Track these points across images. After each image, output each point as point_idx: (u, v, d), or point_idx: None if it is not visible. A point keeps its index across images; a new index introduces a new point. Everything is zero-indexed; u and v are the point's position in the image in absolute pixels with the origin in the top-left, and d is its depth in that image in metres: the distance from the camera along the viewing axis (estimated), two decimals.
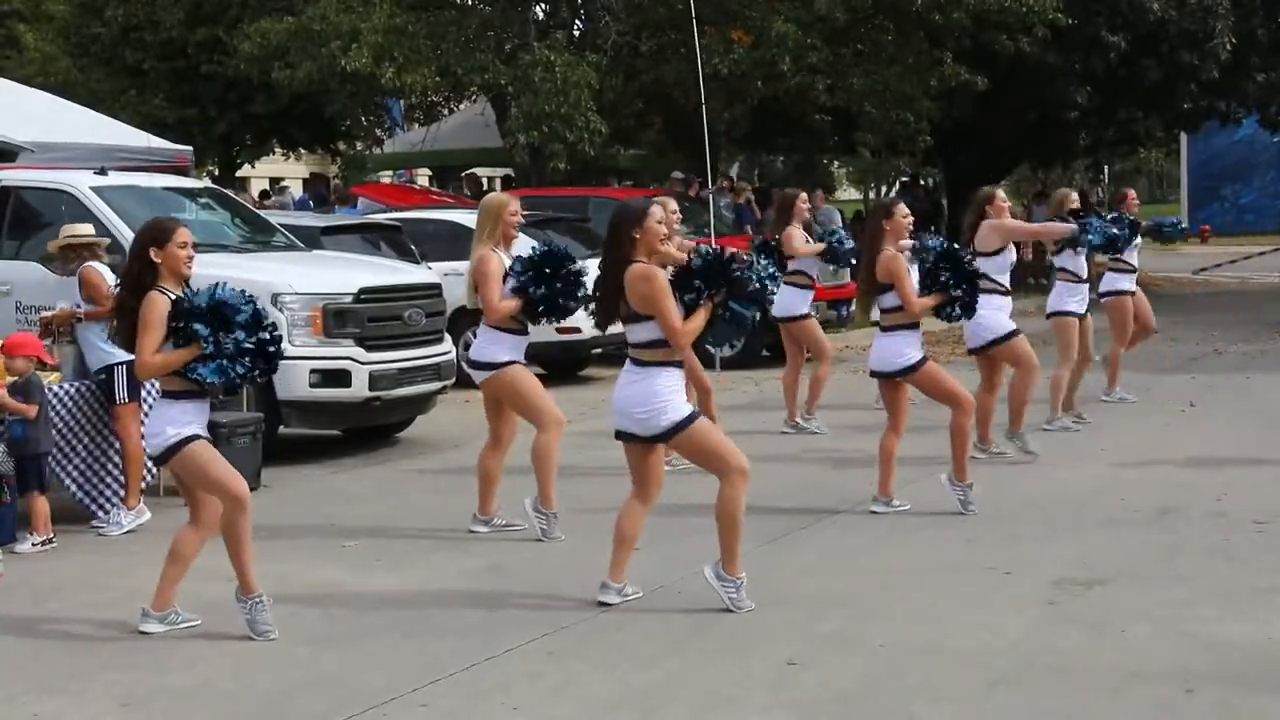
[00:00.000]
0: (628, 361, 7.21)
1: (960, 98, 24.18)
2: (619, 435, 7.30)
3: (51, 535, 8.80)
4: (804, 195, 13.31)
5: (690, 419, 7.11)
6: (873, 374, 9.57)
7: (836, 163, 53.57)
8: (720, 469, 7.16)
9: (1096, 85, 26.61)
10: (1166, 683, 6.07)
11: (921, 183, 37.36)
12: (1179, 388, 14.71)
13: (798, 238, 12.70)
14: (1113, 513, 9.33)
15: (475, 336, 8.97)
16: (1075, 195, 13.05)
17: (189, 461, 6.87)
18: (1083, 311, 12.51)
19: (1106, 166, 48.31)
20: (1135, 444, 11.81)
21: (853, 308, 18.77)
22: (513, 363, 8.76)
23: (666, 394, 7.08)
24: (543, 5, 24.48)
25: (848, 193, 67.33)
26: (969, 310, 9.70)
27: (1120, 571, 7.88)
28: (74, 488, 9.24)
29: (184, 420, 6.86)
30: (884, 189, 57.16)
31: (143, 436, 8.20)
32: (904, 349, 9.29)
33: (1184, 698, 5.92)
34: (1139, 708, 5.85)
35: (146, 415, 9.53)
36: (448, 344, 12.42)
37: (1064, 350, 12.45)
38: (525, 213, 17.02)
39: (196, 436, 6.88)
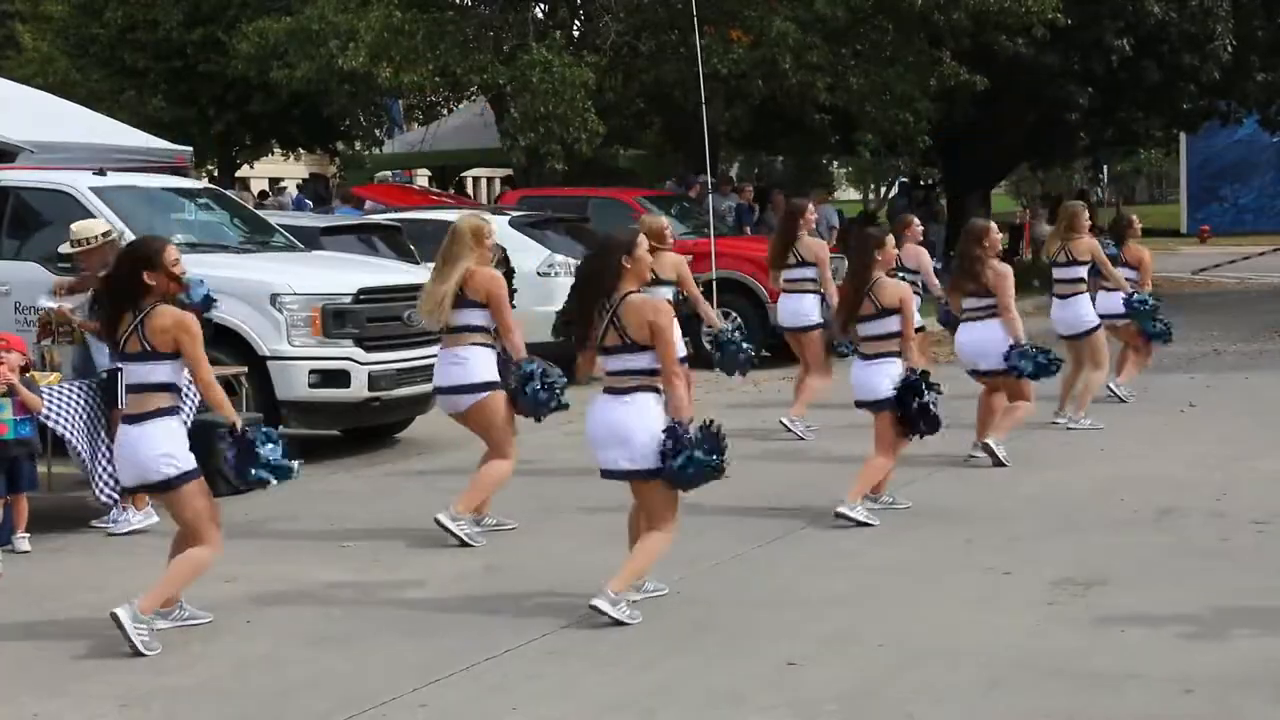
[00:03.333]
0: (606, 391, 7.09)
1: (960, 98, 24.18)
2: (610, 474, 7.17)
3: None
4: (811, 207, 13.28)
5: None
6: (857, 405, 9.49)
7: (836, 163, 53.57)
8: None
9: (1097, 86, 26.61)
10: (1165, 683, 6.08)
11: (923, 183, 37.37)
12: (1179, 388, 14.70)
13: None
14: (1112, 513, 9.33)
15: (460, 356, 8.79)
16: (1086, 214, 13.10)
17: (190, 498, 6.98)
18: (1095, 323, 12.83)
19: (1106, 166, 48.31)
20: (1135, 444, 11.81)
21: None
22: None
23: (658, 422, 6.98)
24: (542, 5, 24.47)
25: (847, 193, 67.39)
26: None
27: (1120, 572, 7.88)
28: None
29: (186, 443, 6.98)
30: (884, 189, 57.19)
31: None
32: (885, 379, 9.19)
33: (1183, 698, 5.92)
34: (1138, 708, 5.85)
35: None
36: None
37: (1101, 357, 12.75)
38: (524, 213, 17.22)
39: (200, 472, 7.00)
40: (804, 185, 29.34)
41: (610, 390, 7.08)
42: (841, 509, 9.08)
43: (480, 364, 8.72)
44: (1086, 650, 6.53)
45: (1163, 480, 10.30)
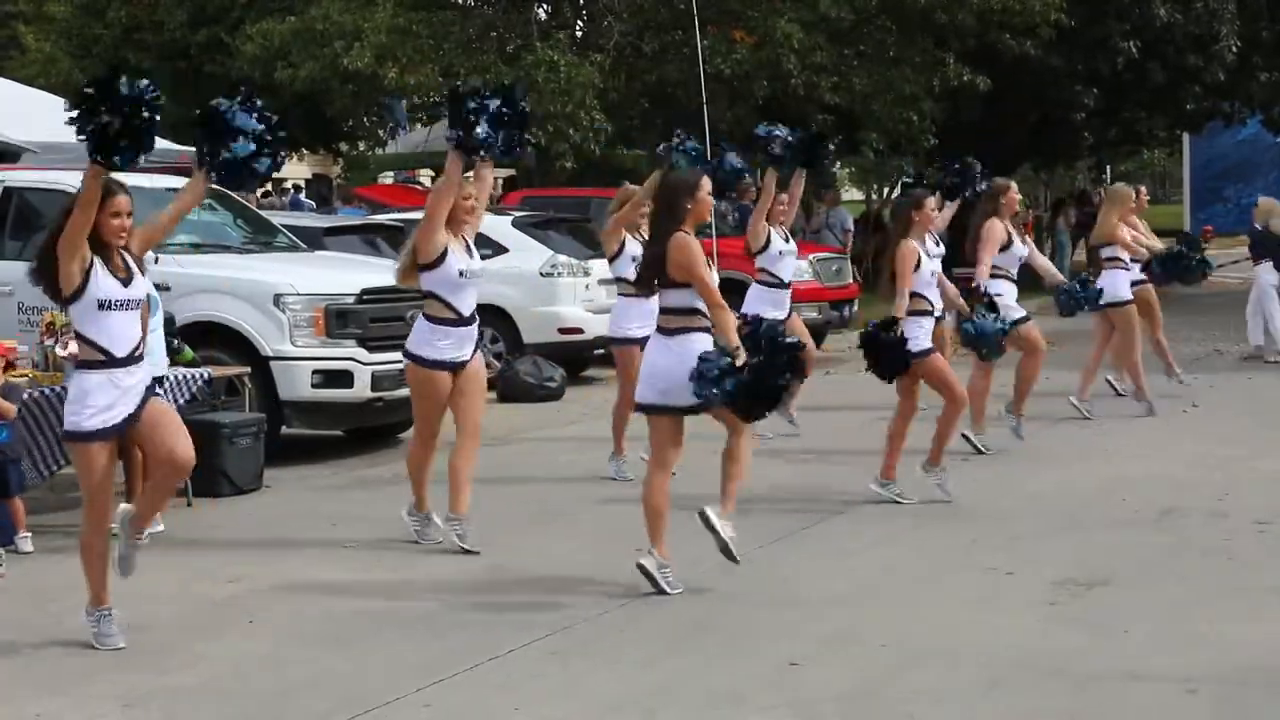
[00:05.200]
0: (656, 332, 7.51)
1: (964, 98, 24.19)
2: (642, 409, 7.52)
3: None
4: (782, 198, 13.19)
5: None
6: None
7: (839, 163, 53.54)
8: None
9: (1101, 87, 26.61)
10: (1167, 683, 6.08)
11: (926, 184, 37.30)
12: (1180, 388, 14.69)
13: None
14: (1114, 513, 9.33)
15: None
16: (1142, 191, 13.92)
17: (76, 458, 6.67)
18: (1130, 297, 13.16)
19: (1109, 167, 48.29)
20: (1136, 444, 11.81)
21: (854, 308, 18.78)
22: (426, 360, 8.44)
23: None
24: (545, 6, 24.49)
25: (850, 193, 67.26)
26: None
27: (1121, 572, 7.88)
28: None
29: (93, 406, 6.51)
30: (886, 190, 57.07)
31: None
32: (911, 335, 9.41)
33: (1185, 698, 5.92)
34: (1140, 708, 5.85)
35: None
36: None
37: (1130, 337, 13.03)
38: (527, 213, 17.22)
39: (99, 434, 6.52)
40: (811, 186, 29.48)
41: (660, 330, 7.46)
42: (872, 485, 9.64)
43: (412, 333, 8.56)
44: (1087, 650, 6.53)
45: (1164, 480, 10.30)
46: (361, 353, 11.44)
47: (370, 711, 5.88)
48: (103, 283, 6.55)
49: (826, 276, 17.94)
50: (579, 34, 24.02)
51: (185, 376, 9.85)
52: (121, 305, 6.60)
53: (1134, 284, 13.55)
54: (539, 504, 9.84)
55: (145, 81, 6.40)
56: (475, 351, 8.58)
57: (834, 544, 8.69)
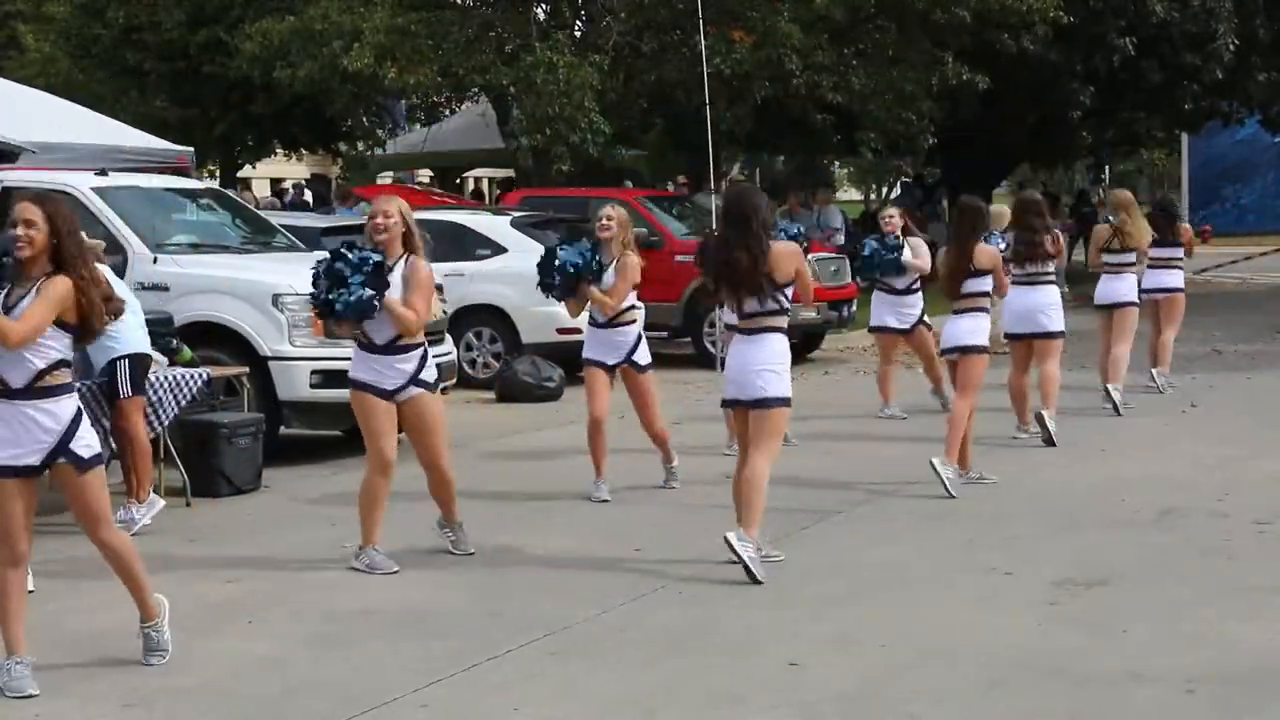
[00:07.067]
0: (740, 335, 7.93)
1: (962, 97, 24.19)
2: (728, 404, 8.12)
3: None
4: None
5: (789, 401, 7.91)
6: (943, 353, 10.41)
7: (838, 163, 53.57)
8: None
9: (1098, 86, 26.61)
10: (1167, 683, 6.08)
11: (925, 183, 37.32)
12: (1180, 388, 14.70)
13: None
14: (1114, 513, 9.34)
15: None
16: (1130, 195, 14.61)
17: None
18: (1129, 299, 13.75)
19: (1107, 167, 48.33)
20: (1136, 444, 11.82)
21: (854, 308, 18.76)
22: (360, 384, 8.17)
23: (785, 359, 7.88)
24: (544, 6, 24.48)
25: (848, 193, 67.37)
26: None
27: (1121, 572, 7.88)
28: None
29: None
30: (885, 189, 57.16)
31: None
32: (977, 329, 10.06)
33: (1184, 698, 5.92)
34: (1139, 708, 5.85)
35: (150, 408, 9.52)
36: (448, 345, 12.39)
37: (1127, 334, 13.65)
38: (526, 214, 17.20)
39: None
40: (806, 185, 29.38)
41: (746, 332, 7.95)
42: (935, 461, 9.75)
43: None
44: (1086, 650, 6.53)
45: (1164, 480, 10.30)
46: None
47: (369, 711, 5.88)
48: None
49: (825, 277, 17.91)
50: (578, 34, 24.00)
51: (184, 376, 9.85)
52: None
53: (1147, 291, 14.24)
54: (537, 504, 9.84)
55: None
56: (410, 386, 8.12)
57: (834, 544, 8.69)
